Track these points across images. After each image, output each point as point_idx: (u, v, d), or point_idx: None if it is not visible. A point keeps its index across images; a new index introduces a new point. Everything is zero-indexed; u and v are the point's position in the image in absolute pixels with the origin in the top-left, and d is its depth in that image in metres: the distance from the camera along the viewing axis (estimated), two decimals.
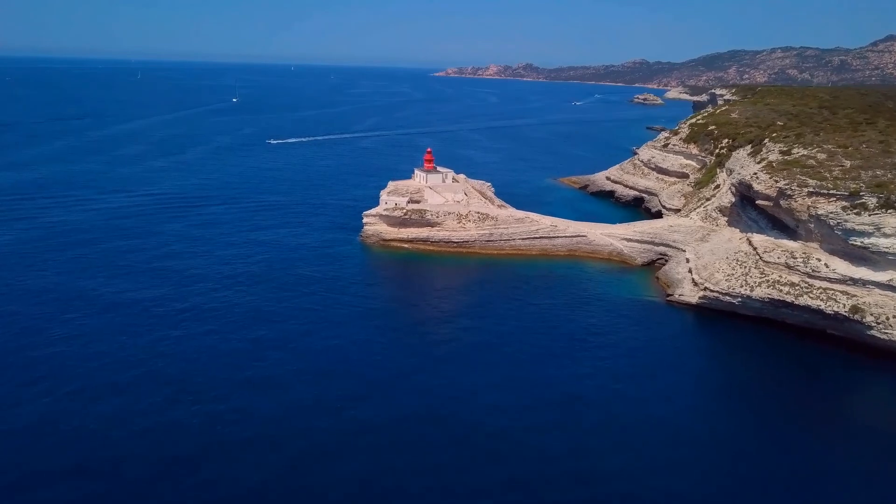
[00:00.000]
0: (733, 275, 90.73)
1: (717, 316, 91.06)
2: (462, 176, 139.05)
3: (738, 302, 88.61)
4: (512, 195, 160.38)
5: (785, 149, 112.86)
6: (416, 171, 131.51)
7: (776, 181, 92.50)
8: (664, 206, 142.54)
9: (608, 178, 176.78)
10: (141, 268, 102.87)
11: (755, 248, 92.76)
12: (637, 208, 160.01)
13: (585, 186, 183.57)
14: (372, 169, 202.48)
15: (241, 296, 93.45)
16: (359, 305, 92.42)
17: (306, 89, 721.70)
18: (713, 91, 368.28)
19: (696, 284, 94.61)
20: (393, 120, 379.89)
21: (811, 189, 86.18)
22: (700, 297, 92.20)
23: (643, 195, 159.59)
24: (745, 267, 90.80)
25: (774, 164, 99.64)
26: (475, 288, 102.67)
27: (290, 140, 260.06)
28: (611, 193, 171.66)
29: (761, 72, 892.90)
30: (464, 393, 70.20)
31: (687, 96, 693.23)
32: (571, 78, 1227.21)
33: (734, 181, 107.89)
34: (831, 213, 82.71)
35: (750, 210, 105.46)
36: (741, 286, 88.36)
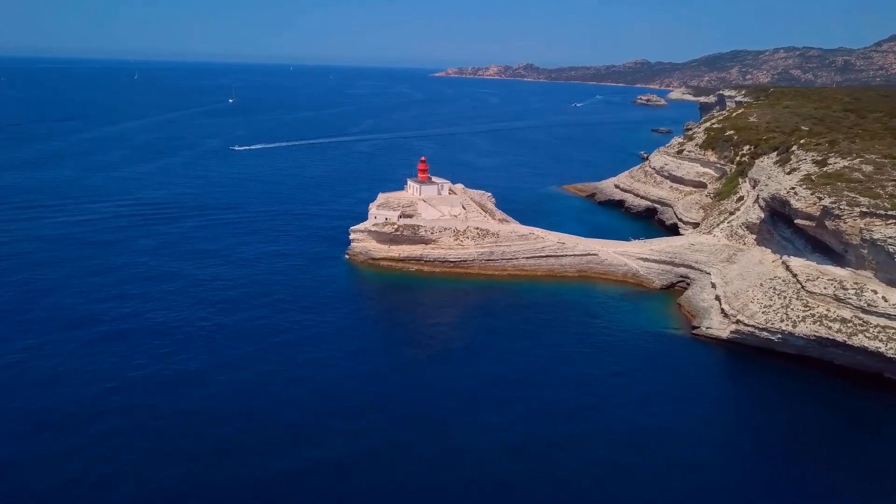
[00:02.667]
0: (771, 306, 78.74)
1: (751, 353, 79.09)
2: (459, 186, 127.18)
3: (778, 339, 76.67)
4: (514, 205, 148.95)
5: (819, 158, 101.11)
6: (409, 182, 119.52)
7: (819, 198, 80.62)
8: (680, 219, 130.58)
9: (617, 187, 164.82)
10: (92, 296, 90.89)
11: (795, 275, 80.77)
12: (649, 220, 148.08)
13: (592, 195, 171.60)
14: (365, 176, 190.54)
15: (207, 324, 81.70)
16: (340, 337, 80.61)
17: (304, 90, 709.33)
18: (721, 92, 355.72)
19: (726, 316, 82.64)
20: (391, 122, 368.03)
21: (864, 209, 74.31)
22: (732, 332, 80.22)
23: (656, 206, 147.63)
24: (785, 297, 78.82)
25: (814, 178, 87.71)
26: (473, 315, 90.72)
27: (255, 146, 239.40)
28: (620, 203, 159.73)
29: (764, 72, 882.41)
30: (458, 441, 59.72)
31: (690, 97, 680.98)
32: (572, 78, 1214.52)
33: (766, 196, 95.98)
34: (890, 237, 70.88)
35: (783, 228, 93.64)
36: (781, 320, 76.41)
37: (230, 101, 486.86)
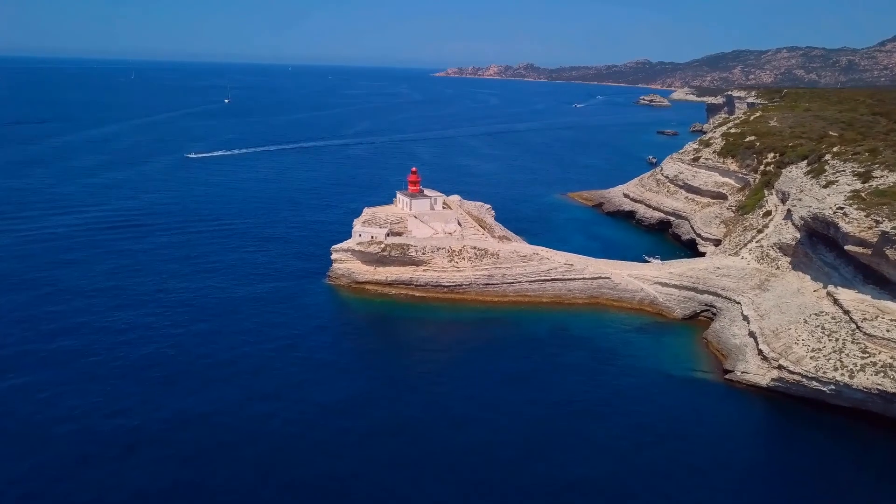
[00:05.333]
0: (821, 350, 66.58)
1: (797, 405, 66.87)
2: (455, 198, 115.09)
3: (830, 391, 64.53)
4: (515, 217, 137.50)
5: (861, 170, 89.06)
6: (399, 195, 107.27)
7: (876, 221, 68.46)
8: (699, 235, 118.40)
9: (626, 196, 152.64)
10: (33, 331, 78.81)
11: (847, 312, 68.66)
12: (663, 233, 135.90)
13: (600, 204, 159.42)
14: (357, 183, 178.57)
15: (162, 361, 69.59)
16: (310, 379, 68.53)
17: (302, 90, 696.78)
18: (730, 93, 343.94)
19: (765, 359, 70.50)
20: (388, 123, 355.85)
21: None
22: (774, 380, 68.08)
23: (670, 218, 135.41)
24: (837, 339, 66.66)
25: (864, 196, 75.58)
26: (467, 354, 78.32)
27: (215, 153, 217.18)
28: (630, 214, 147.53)
29: (767, 72, 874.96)
30: None
31: (694, 97, 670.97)
32: (573, 78, 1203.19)
33: (804, 214, 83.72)
34: None
35: (824, 252, 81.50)
36: (835, 368, 64.27)
37: (225, 101, 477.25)
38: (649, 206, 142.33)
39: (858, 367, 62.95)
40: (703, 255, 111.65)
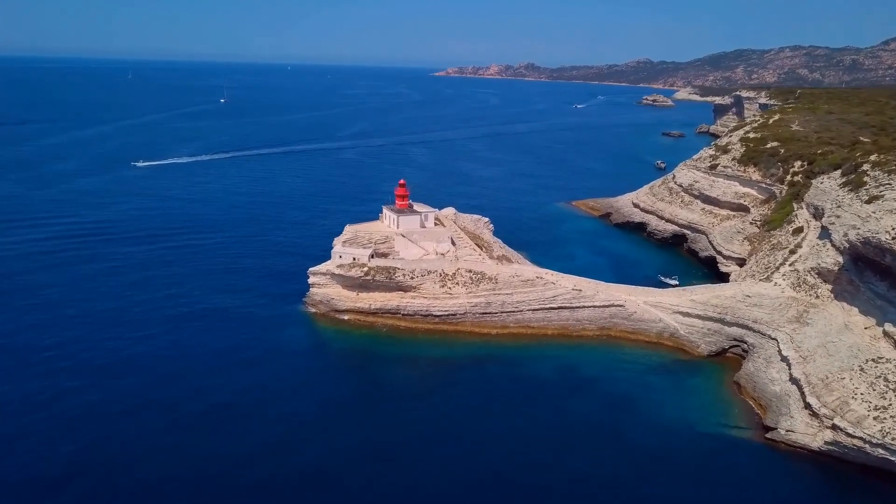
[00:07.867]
0: (887, 409, 55.18)
1: (858, 474, 55.42)
2: (450, 211, 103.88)
3: None
4: (515, 229, 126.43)
5: None
6: (385, 211, 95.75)
7: None
8: (720, 252, 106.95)
9: (636, 206, 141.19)
10: None
11: None
12: (678, 248, 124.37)
13: (607, 214, 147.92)
14: (348, 190, 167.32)
15: (104, 411, 58.36)
16: (280, 430, 57.27)
17: (299, 90, 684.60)
18: (738, 93, 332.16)
19: (814, 414, 59.12)
20: (384, 125, 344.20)
21: None
22: (827, 443, 56.68)
23: (685, 231, 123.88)
24: None
25: None
26: (460, 397, 67.29)
27: (168, 161, 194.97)
28: (640, 226, 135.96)
29: (770, 71, 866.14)
30: None
31: (697, 97, 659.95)
32: (574, 77, 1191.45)
33: (852, 238, 72.16)
34: None
35: (874, 281, 69.91)
36: None
37: (221, 101, 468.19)
38: (662, 217, 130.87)
39: None
40: (724, 275, 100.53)
